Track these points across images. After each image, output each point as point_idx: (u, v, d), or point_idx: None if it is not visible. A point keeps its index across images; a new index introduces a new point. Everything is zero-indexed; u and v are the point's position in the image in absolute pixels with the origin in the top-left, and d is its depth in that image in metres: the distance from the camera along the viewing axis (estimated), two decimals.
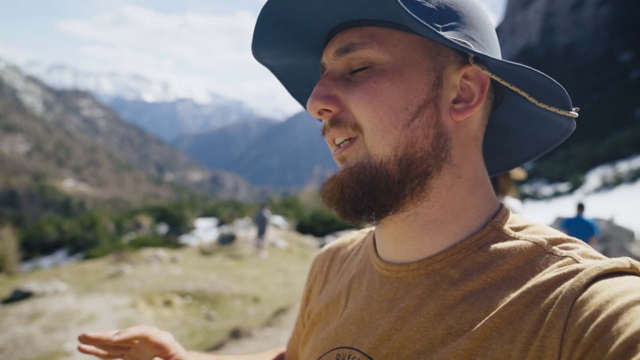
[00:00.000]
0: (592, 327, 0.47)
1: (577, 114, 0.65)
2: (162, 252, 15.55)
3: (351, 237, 0.90)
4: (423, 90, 0.62)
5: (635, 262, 0.54)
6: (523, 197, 60.32)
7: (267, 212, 15.22)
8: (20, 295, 9.68)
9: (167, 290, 9.47)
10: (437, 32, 0.55)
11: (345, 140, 0.64)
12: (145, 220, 46.52)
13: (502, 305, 0.55)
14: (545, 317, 0.51)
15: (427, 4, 0.60)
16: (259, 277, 11.33)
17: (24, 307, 8.76)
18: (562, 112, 0.64)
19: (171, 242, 28.18)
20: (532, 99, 0.64)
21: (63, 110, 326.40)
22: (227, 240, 17.89)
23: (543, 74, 0.59)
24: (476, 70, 0.65)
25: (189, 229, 43.12)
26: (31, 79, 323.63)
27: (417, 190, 0.63)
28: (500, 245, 0.62)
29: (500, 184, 3.19)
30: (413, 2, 0.60)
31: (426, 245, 0.65)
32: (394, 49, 0.62)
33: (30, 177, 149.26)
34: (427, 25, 0.54)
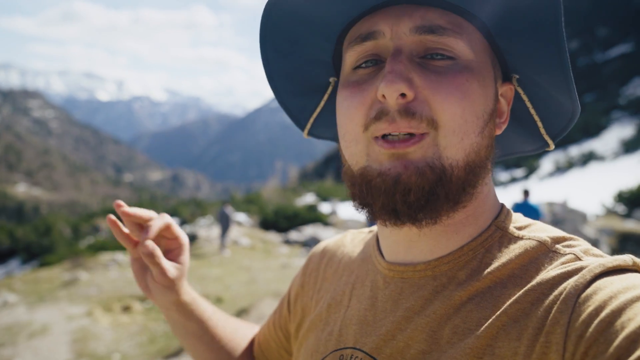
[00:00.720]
0: (595, 322, 0.47)
1: (552, 147, 0.71)
2: (121, 256, 15.08)
3: (350, 237, 0.89)
4: (492, 99, 0.62)
5: (637, 260, 0.54)
6: None
7: (229, 209, 14.97)
8: None
9: (126, 296, 9.17)
10: (573, 82, 0.56)
11: (407, 135, 0.57)
12: (104, 224, 45.16)
13: (507, 303, 0.55)
14: (549, 314, 0.51)
15: None
16: (221, 276, 11.13)
17: None
18: (548, 141, 0.70)
19: None
20: (542, 130, 0.69)
21: (11, 112, 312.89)
22: (189, 238, 17.51)
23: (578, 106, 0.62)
24: (510, 89, 0.67)
25: None
26: None
27: (467, 197, 0.61)
28: (505, 244, 0.62)
29: None
30: None
31: (440, 247, 0.64)
32: (476, 49, 0.59)
33: None
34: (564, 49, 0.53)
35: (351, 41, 0.62)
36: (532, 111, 0.68)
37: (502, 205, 0.68)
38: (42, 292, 10.45)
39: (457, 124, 0.57)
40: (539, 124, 0.69)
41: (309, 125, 0.83)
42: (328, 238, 0.95)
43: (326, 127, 0.84)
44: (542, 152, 0.75)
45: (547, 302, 0.53)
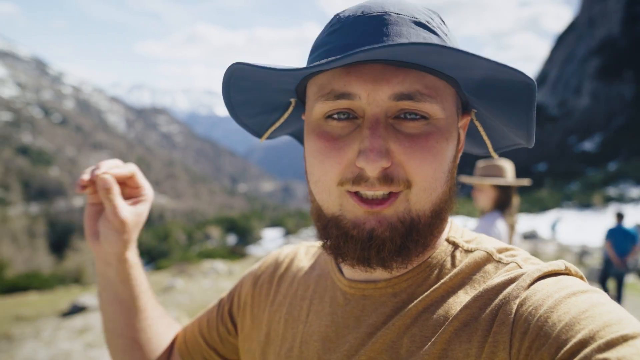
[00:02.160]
0: (535, 318, 0.52)
1: (496, 155, 0.78)
2: (220, 265, 15.70)
3: (303, 250, 0.90)
4: (456, 147, 0.66)
5: (568, 265, 0.60)
6: (607, 200, 56.10)
7: None
8: (76, 309, 9.99)
9: None
10: (533, 135, 0.62)
11: (384, 195, 0.60)
12: (215, 232, 47.85)
13: (458, 309, 0.59)
14: (496, 316, 0.56)
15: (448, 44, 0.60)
16: None
17: (77, 321, 8.98)
18: (493, 154, 0.76)
19: (237, 253, 28.62)
20: (490, 148, 0.76)
21: (143, 127, 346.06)
22: None
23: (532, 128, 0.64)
24: (468, 119, 0.71)
25: (256, 240, 43.84)
26: (114, 100, 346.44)
27: (433, 239, 0.66)
28: (455, 257, 0.67)
29: (513, 202, 3.13)
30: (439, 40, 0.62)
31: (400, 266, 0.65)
32: (446, 105, 0.62)
33: None
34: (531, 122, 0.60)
35: (322, 94, 0.62)
36: (485, 138, 0.74)
37: (452, 220, 0.73)
38: None
39: (428, 183, 0.60)
40: (489, 144, 0.75)
41: (266, 135, 0.83)
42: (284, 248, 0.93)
43: (281, 131, 0.86)
44: (488, 156, 0.81)
45: (492, 305, 0.57)
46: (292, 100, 0.76)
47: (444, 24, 0.65)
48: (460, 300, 0.61)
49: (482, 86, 0.62)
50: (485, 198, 3.16)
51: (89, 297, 10.33)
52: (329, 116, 0.62)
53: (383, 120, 0.59)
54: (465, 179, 3.27)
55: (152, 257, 41.81)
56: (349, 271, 0.71)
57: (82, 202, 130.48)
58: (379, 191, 0.59)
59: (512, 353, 0.52)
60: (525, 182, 3.22)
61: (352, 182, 0.60)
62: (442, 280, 0.64)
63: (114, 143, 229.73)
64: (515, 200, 3.18)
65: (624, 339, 0.46)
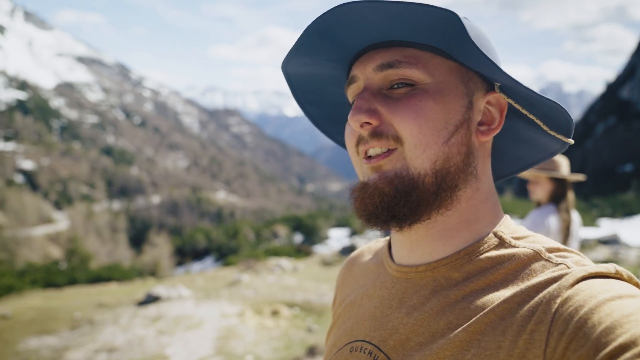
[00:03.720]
0: (575, 319, 0.51)
1: (572, 141, 0.75)
2: (286, 262, 16.08)
3: (369, 246, 0.97)
4: (459, 112, 0.69)
5: (620, 269, 0.58)
6: None
7: None
8: (151, 299, 10.66)
9: (276, 301, 9.70)
10: (501, 69, 0.62)
11: (383, 151, 0.68)
12: (282, 230, 48.84)
13: (496, 303, 0.60)
14: (534, 314, 0.56)
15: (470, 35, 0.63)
16: None
17: (151, 310, 9.61)
18: (563, 139, 0.74)
19: (303, 251, 29.05)
20: (545, 127, 0.73)
21: (215, 128, 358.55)
22: (348, 251, 17.92)
23: (555, 101, 0.65)
24: (498, 97, 0.73)
25: (322, 239, 44.23)
26: (189, 102, 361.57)
27: (447, 201, 0.68)
28: (501, 251, 0.66)
29: (568, 197, 3.16)
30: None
31: (438, 250, 0.70)
32: (435, 72, 0.67)
33: (189, 190, 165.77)
34: (494, 63, 0.61)
35: (345, 87, 0.76)
36: (524, 111, 0.72)
37: (506, 217, 0.74)
38: (210, 290, 11.64)
39: (417, 138, 0.65)
40: (539, 122, 0.73)
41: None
42: None
43: None
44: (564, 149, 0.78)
45: (532, 303, 0.57)
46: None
47: (466, 19, 0.67)
48: (501, 294, 0.61)
49: (445, 40, 0.66)
50: (540, 191, 3.21)
51: (162, 288, 10.98)
52: (352, 103, 0.75)
53: (373, 89, 0.69)
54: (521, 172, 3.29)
55: (222, 253, 43.29)
56: (397, 256, 0.77)
57: (159, 200, 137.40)
58: (376, 147, 0.68)
59: (547, 352, 0.52)
60: (580, 177, 3.24)
61: (356, 144, 0.71)
62: (483, 272, 0.65)
63: (189, 143, 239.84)
64: (571, 195, 3.20)
65: None
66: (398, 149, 0.67)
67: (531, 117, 0.73)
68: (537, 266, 0.62)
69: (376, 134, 0.67)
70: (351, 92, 0.74)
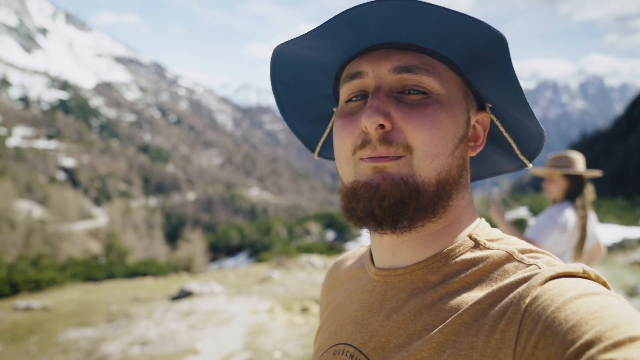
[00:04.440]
0: (543, 318, 0.53)
1: (531, 166, 0.81)
2: (317, 259, 16.12)
3: (355, 251, 0.98)
4: (462, 126, 0.71)
5: (588, 268, 0.60)
6: None
7: None
8: (183, 294, 10.90)
9: (306, 298, 9.76)
10: (530, 108, 0.66)
11: (390, 156, 0.67)
12: (314, 227, 49.03)
13: (470, 304, 0.62)
14: (505, 314, 0.57)
15: None
16: None
17: (184, 305, 9.82)
18: (525, 162, 0.80)
19: (335, 248, 29.09)
20: (517, 150, 0.79)
21: (249, 126, 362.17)
22: None
23: (542, 129, 0.70)
24: (485, 116, 0.77)
25: (354, 236, 44.21)
26: (223, 100, 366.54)
27: (440, 210, 0.69)
28: (476, 254, 0.68)
29: (585, 193, 3.11)
30: None
31: (418, 254, 0.71)
32: (447, 84, 0.69)
33: (223, 187, 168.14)
34: (527, 103, 0.64)
35: (343, 79, 0.73)
36: (506, 134, 0.78)
37: (481, 220, 0.76)
38: (241, 286, 11.81)
39: (429, 148, 0.66)
40: (514, 145, 0.79)
41: (318, 148, 0.96)
42: None
43: (332, 150, 0.94)
44: (522, 170, 0.85)
45: (503, 303, 0.59)
46: (335, 109, 0.87)
47: None
48: (474, 295, 0.63)
49: (470, 57, 0.68)
50: (555, 188, 3.19)
51: (194, 284, 11.20)
52: (349, 100, 0.73)
53: (386, 89, 0.68)
54: (535, 170, 3.30)
55: (255, 249, 43.81)
56: (378, 260, 0.78)
57: (194, 197, 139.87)
58: (383, 154, 0.67)
59: (517, 351, 0.53)
60: (597, 173, 3.19)
61: (360, 146, 0.68)
62: (458, 274, 0.67)
63: (223, 141, 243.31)
64: (588, 192, 3.15)
65: (631, 340, 0.46)
66: (406, 157, 0.66)
67: (510, 140, 0.78)
68: (509, 267, 0.64)
69: (386, 140, 0.66)
70: (352, 87, 0.72)
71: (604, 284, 0.59)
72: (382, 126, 0.66)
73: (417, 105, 0.67)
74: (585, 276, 0.59)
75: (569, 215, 3.06)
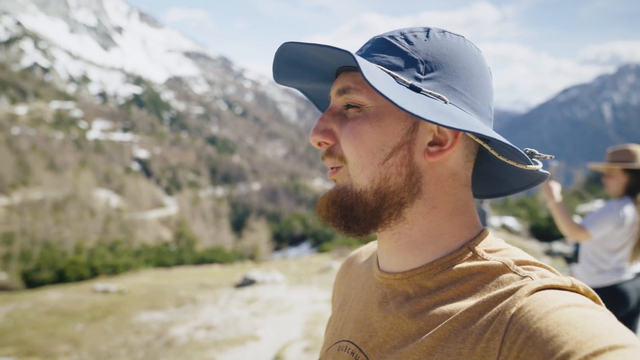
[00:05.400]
0: (526, 328, 0.54)
1: (538, 168, 0.74)
2: None
3: (367, 247, 1.00)
4: (398, 134, 0.71)
5: (577, 282, 0.61)
6: None
7: (486, 207, 14.36)
8: (247, 282, 11.28)
9: None
10: (395, 102, 0.62)
11: (333, 167, 0.75)
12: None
13: (461, 311, 0.64)
14: (492, 323, 0.59)
15: (414, 55, 0.70)
16: None
17: (247, 292, 10.18)
18: (519, 165, 0.74)
19: None
20: (493, 152, 0.74)
21: (312, 117, 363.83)
22: None
23: (494, 137, 0.66)
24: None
25: None
26: (287, 91, 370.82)
27: (394, 215, 0.72)
28: (472, 263, 0.70)
29: None
30: (400, 51, 0.71)
31: (409, 260, 0.74)
32: (378, 96, 0.71)
33: (287, 177, 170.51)
34: (391, 98, 0.62)
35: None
36: (478, 140, 0.73)
37: (482, 230, 0.76)
38: (302, 275, 12.04)
39: (354, 158, 0.72)
40: (493, 152, 0.74)
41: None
42: None
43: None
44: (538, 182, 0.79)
45: (491, 312, 0.60)
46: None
47: (428, 37, 0.73)
48: (466, 303, 0.65)
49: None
50: (615, 184, 3.08)
51: (258, 273, 11.56)
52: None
53: (336, 110, 0.76)
54: (594, 165, 3.20)
55: (318, 240, 44.25)
56: (381, 262, 0.80)
57: (259, 187, 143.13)
58: (330, 165, 0.75)
59: (499, 359, 0.55)
60: None
61: (322, 157, 0.77)
62: (453, 282, 0.69)
63: (287, 132, 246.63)
64: None
65: (611, 349, 0.47)
66: (344, 167, 0.73)
67: (478, 140, 0.74)
68: (504, 278, 0.65)
69: (329, 152, 0.74)
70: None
71: (594, 299, 0.60)
72: (326, 142, 0.74)
73: (349, 119, 0.73)
74: (574, 290, 0.60)
75: (628, 211, 2.96)
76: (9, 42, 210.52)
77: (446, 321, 0.64)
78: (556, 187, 3.03)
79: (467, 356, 0.59)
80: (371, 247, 0.99)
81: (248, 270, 13.62)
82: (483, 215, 14.14)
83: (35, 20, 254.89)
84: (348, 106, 0.73)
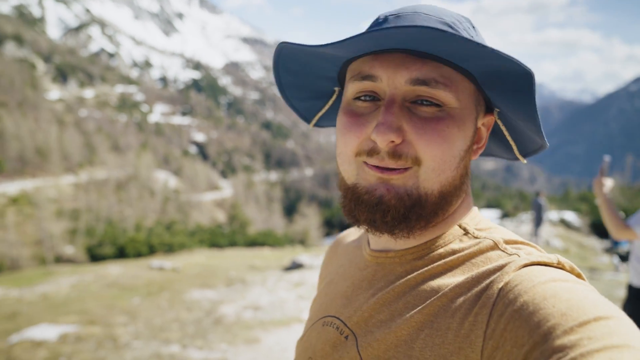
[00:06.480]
0: (513, 301, 0.55)
1: (525, 161, 0.84)
2: None
3: (356, 229, 0.99)
4: (470, 138, 0.71)
5: (563, 260, 0.62)
6: None
7: (542, 200, 13.91)
8: (295, 266, 11.47)
9: None
10: (541, 130, 0.67)
11: (397, 168, 0.66)
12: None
13: (450, 287, 0.64)
14: (480, 298, 0.60)
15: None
16: None
17: (294, 275, 10.36)
18: (520, 158, 0.83)
19: None
20: (516, 151, 0.82)
21: None
22: None
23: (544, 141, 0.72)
24: (491, 119, 0.77)
25: None
26: None
27: (440, 214, 0.71)
28: (464, 242, 0.70)
29: None
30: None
31: (409, 241, 0.73)
32: (461, 97, 0.67)
33: None
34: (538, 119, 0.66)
35: (353, 76, 0.70)
36: (509, 138, 0.80)
37: (473, 209, 0.77)
38: None
39: (437, 163, 0.66)
40: (514, 147, 0.81)
41: (314, 120, 0.95)
42: None
43: (329, 121, 0.96)
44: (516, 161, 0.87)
45: (479, 288, 0.61)
46: (336, 89, 0.86)
47: (473, 28, 0.72)
48: (455, 279, 0.65)
49: (492, 78, 0.67)
50: None
51: (306, 257, 11.73)
52: (357, 97, 0.70)
53: (399, 101, 0.66)
54: None
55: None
56: (372, 242, 0.80)
57: (312, 173, 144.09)
58: (391, 166, 0.66)
59: (487, 332, 0.56)
60: None
61: (367, 154, 0.67)
62: (444, 260, 0.69)
63: None
64: None
65: (596, 320, 0.49)
66: (413, 168, 0.66)
67: (512, 143, 0.80)
68: (492, 255, 0.66)
69: (396, 154, 0.66)
70: (362, 87, 0.69)
71: (579, 275, 0.61)
72: (392, 141, 0.66)
73: (430, 119, 0.66)
74: (560, 267, 0.61)
75: None
76: (78, 29, 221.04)
77: (435, 297, 0.64)
78: (608, 183, 2.91)
79: (456, 330, 0.59)
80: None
81: (297, 254, 13.82)
82: (539, 209, 13.76)
83: (102, 7, 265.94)
84: (419, 101, 0.66)
